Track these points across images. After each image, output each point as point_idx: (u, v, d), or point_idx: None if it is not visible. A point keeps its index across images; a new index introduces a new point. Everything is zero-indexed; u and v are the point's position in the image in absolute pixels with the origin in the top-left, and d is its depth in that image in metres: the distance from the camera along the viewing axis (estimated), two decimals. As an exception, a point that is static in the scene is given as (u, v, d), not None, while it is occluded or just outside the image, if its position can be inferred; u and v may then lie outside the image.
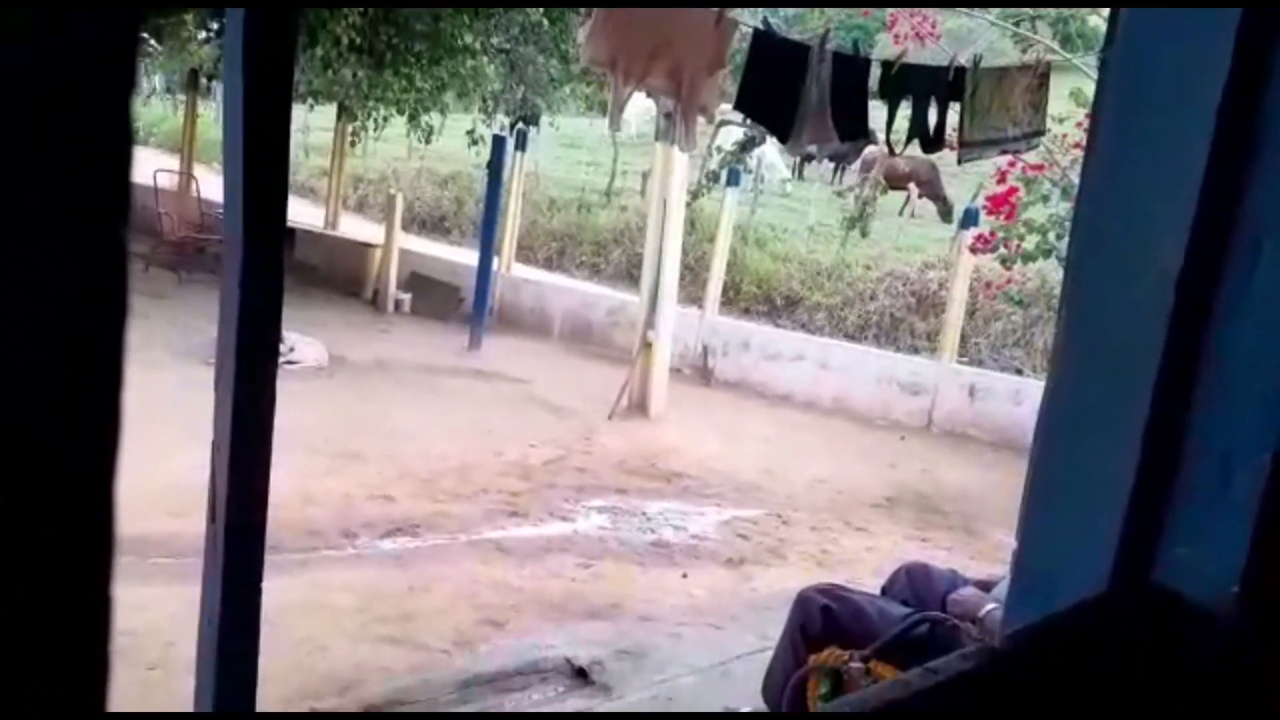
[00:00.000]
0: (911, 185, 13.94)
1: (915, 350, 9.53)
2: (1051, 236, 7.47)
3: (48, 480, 0.24)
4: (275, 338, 1.67)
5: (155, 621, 3.40)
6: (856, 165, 13.95)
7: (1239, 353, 0.61)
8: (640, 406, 7.30)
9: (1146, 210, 0.63)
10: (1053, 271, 8.73)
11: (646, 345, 7.32)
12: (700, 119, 3.80)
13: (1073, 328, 0.67)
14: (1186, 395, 0.62)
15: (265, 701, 2.14)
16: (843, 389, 8.28)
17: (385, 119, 10.00)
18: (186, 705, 1.96)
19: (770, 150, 13.45)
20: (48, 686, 0.25)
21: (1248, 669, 0.65)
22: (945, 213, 13.35)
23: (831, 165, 15.54)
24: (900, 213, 13.91)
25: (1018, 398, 7.58)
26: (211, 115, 15.78)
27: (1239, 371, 0.61)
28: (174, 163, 12.00)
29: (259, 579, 1.43)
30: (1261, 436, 0.59)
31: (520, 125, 10.50)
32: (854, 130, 3.68)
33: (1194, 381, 0.62)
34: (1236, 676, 0.64)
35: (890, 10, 9.19)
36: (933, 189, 13.47)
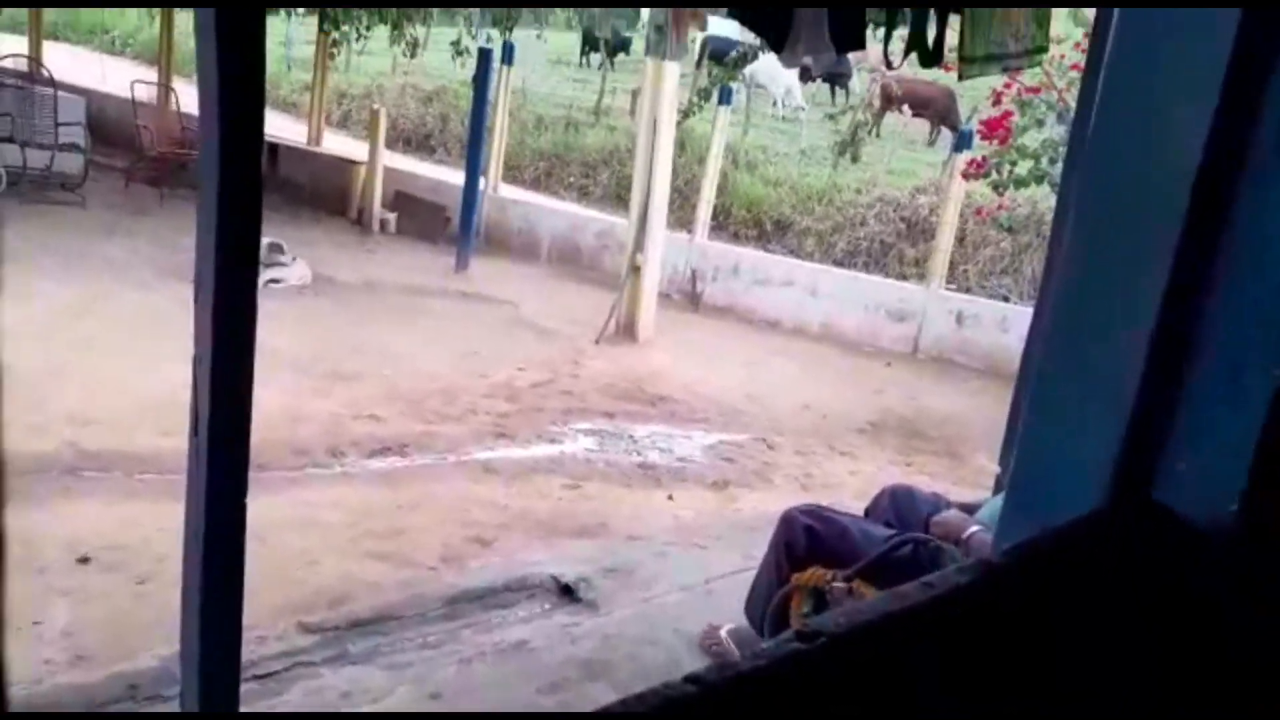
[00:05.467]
0: (906, 108, 13.71)
1: (904, 277, 9.50)
2: (1045, 162, 7.40)
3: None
4: (254, 252, 1.64)
5: (146, 536, 3.43)
6: (875, 90, 13.59)
7: (1254, 262, 0.59)
8: (628, 330, 7.28)
9: (1167, 103, 0.60)
10: (1045, 199, 8.66)
11: (635, 269, 7.26)
12: (691, 27, 3.68)
13: (1079, 230, 0.65)
14: (1196, 305, 0.60)
15: (254, 613, 2.16)
16: (831, 315, 8.27)
17: (368, 29, 9.70)
18: (176, 617, 1.97)
19: (781, 72, 13.11)
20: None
21: (1240, 590, 0.65)
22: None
23: (828, 86, 15.22)
24: (931, 142, 13.74)
25: (1004, 325, 7.59)
26: (189, 24, 15.29)
27: (1254, 280, 0.59)
28: (152, 74, 11.66)
29: (243, 492, 1.42)
30: (1272, 350, 0.58)
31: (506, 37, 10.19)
32: (850, 42, 3.57)
33: (1205, 291, 0.60)
34: (1229, 598, 0.64)
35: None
36: (948, 116, 13.22)
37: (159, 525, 3.39)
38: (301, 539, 3.59)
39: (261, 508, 2.39)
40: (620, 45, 15.79)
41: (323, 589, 3.26)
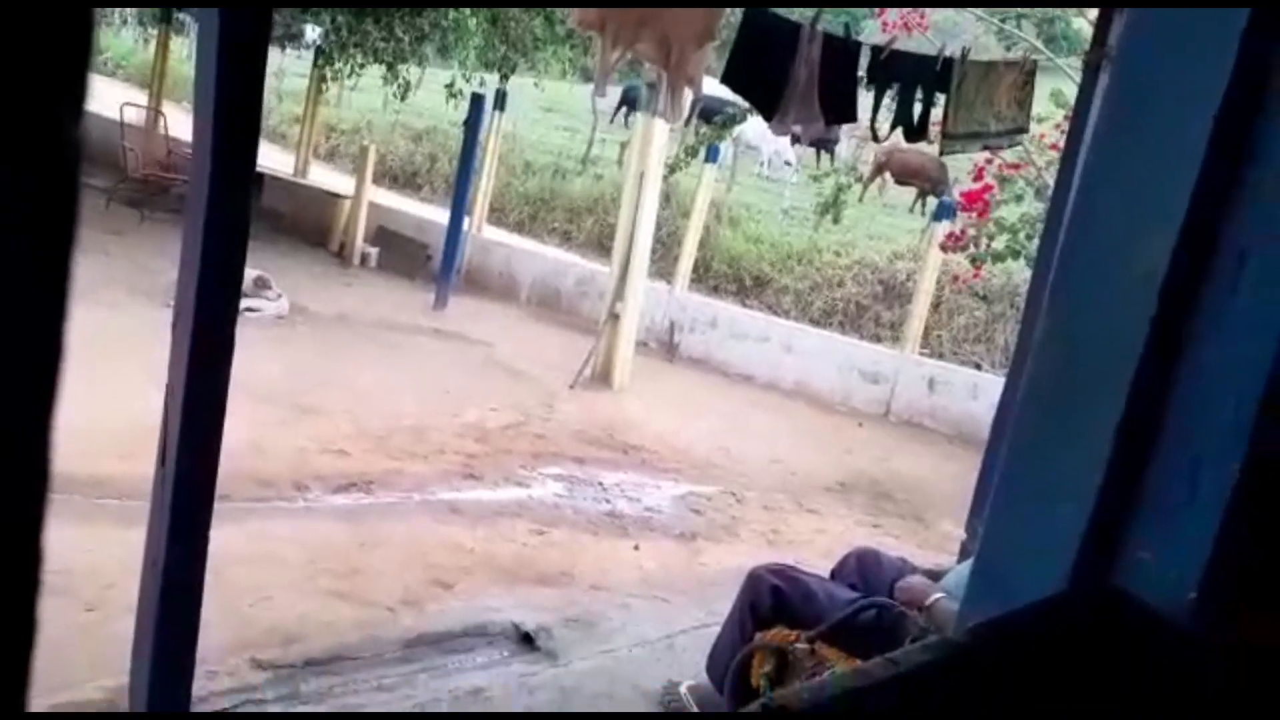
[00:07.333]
0: (888, 175, 13.98)
1: (878, 339, 9.61)
2: (1022, 237, 7.54)
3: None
4: (237, 284, 1.63)
5: (96, 562, 3.35)
6: (866, 155, 13.84)
7: (1215, 361, 0.61)
8: (603, 377, 7.29)
9: (1137, 213, 0.63)
10: (1019, 271, 8.82)
11: (614, 316, 7.30)
12: (686, 91, 3.77)
13: (1051, 323, 0.67)
14: (1160, 399, 0.62)
15: (205, 647, 2.11)
16: (804, 373, 8.33)
17: (362, 67, 9.79)
18: (124, 648, 1.92)
19: (770, 135, 13.36)
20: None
21: (1198, 677, 0.66)
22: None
23: (814, 149, 15.48)
24: (911, 209, 13.98)
25: (975, 392, 7.67)
26: (184, 50, 15.36)
27: (1213, 380, 0.61)
28: (142, 97, 11.68)
29: (206, 526, 1.40)
30: (1231, 445, 0.60)
31: (501, 85, 10.32)
32: (841, 114, 3.66)
33: (1168, 386, 0.62)
34: (1187, 684, 0.65)
35: (880, -3, 9.17)
36: (937, 186, 13.48)
37: (110, 552, 3.31)
38: (259, 574, 3.52)
39: (220, 539, 2.35)
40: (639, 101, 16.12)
41: (277, 626, 3.19)
